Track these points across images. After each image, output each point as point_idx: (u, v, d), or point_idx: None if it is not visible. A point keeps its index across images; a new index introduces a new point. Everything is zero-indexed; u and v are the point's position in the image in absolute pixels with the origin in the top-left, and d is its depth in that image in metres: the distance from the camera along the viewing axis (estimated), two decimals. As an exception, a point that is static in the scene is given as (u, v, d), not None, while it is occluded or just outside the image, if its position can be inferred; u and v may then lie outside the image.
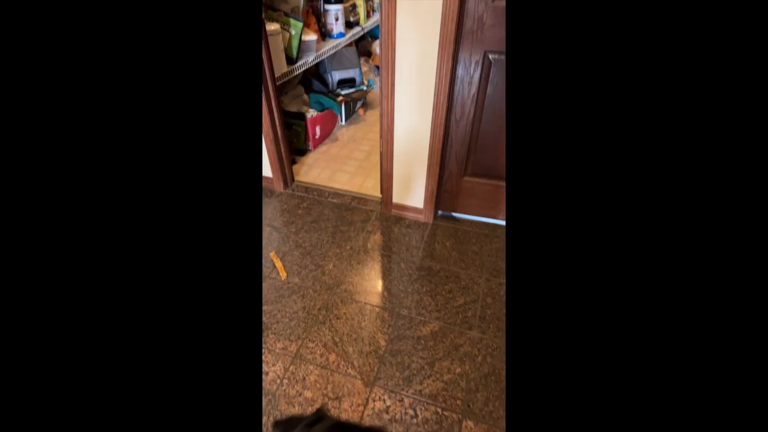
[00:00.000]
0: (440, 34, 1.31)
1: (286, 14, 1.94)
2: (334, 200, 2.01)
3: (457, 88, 1.47)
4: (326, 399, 1.18)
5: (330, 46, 2.31)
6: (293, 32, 1.94)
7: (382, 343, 1.34)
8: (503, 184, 1.67)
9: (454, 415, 1.14)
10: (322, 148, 2.46)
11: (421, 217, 1.85)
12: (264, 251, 1.70)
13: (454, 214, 1.87)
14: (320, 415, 0.55)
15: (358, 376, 1.24)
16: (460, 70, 1.42)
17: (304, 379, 1.24)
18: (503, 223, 1.80)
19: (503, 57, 1.36)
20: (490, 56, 1.37)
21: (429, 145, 1.60)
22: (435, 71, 1.40)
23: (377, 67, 3.11)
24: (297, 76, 2.12)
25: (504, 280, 1.56)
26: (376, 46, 3.15)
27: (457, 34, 1.31)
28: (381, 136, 1.68)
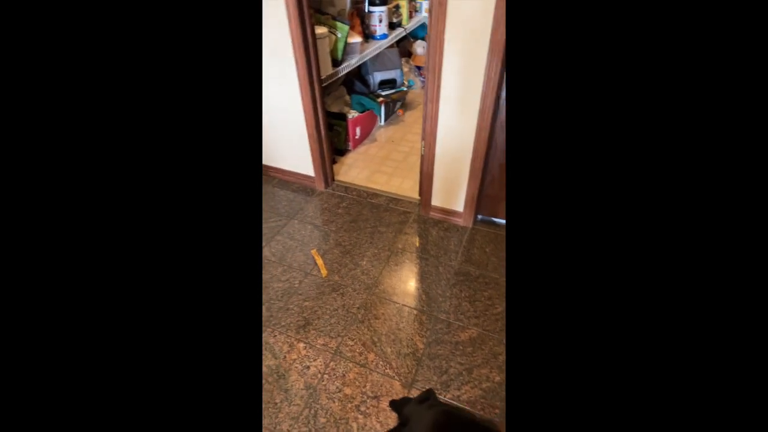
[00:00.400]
0: (491, 38, 1.29)
1: (334, 18, 1.98)
2: (373, 200, 2.04)
3: (503, 93, 1.45)
4: (365, 397, 1.21)
5: (373, 48, 2.33)
6: (339, 35, 1.98)
7: (420, 345, 1.35)
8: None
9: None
10: (361, 149, 2.50)
11: (460, 221, 1.84)
12: (306, 248, 1.76)
13: (495, 219, 1.85)
14: (429, 395, 0.60)
15: (396, 377, 1.26)
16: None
17: (343, 375, 1.27)
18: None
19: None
20: (542, 60, 1.34)
21: (473, 149, 1.59)
22: (483, 75, 1.39)
23: (418, 68, 3.10)
24: (341, 77, 2.16)
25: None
26: (417, 47, 3.14)
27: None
28: (423, 139, 1.68)
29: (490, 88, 1.40)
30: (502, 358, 1.30)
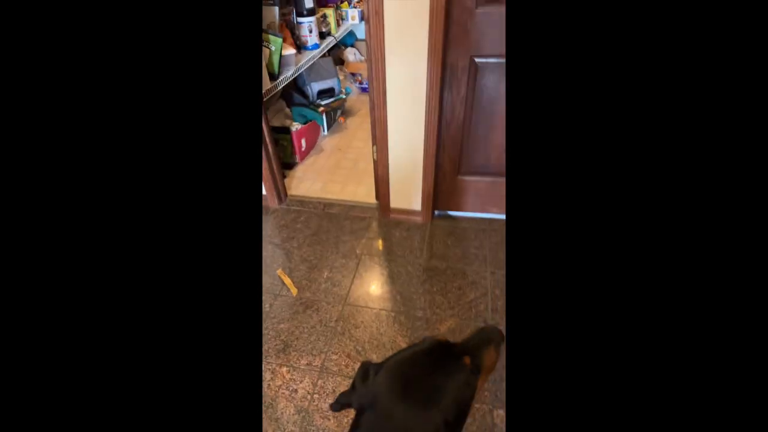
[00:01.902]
0: (428, 42, 1.36)
1: (265, 31, 1.93)
2: (331, 211, 2.02)
3: (445, 94, 1.53)
4: (360, 408, 1.20)
5: (307, 59, 2.31)
6: (273, 48, 1.94)
7: (404, 345, 1.37)
8: (495, 179, 1.75)
9: (484, 406, 1.20)
10: (309, 160, 2.46)
11: (419, 219, 1.90)
12: (270, 270, 1.69)
13: (451, 213, 1.94)
14: (365, 368, 0.55)
15: (387, 381, 1.27)
16: (448, 76, 1.48)
17: (334, 391, 1.25)
18: (499, 216, 1.88)
19: (489, 60, 1.43)
20: (476, 60, 1.44)
21: (423, 148, 1.65)
22: (425, 78, 1.45)
23: (352, 74, 3.14)
24: (279, 91, 2.12)
25: (508, 271, 1.64)
26: (349, 54, 3.18)
27: (444, 42, 1.37)
28: (374, 144, 1.71)
29: (434, 90, 1.47)
30: (482, 342, 1.37)
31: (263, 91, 1.84)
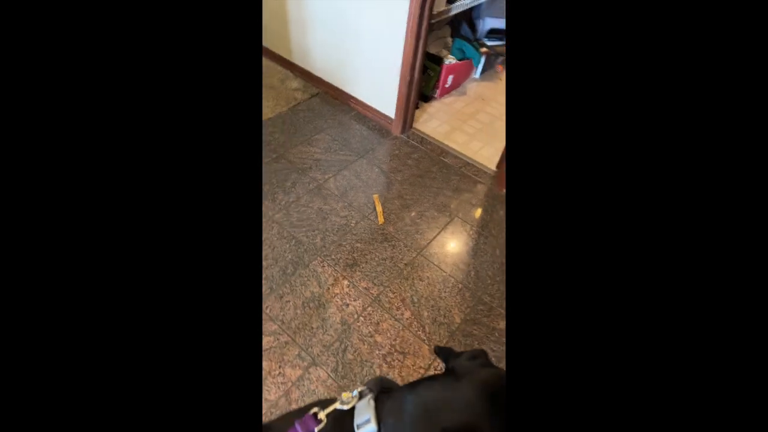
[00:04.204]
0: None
1: (464, -57, 1.73)
2: (446, 159, 1.95)
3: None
4: (393, 350, 1.27)
5: (494, -12, 2.05)
6: (464, -34, 1.74)
7: (457, 320, 1.36)
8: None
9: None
10: (448, 99, 2.34)
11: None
12: (368, 191, 1.76)
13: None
14: (481, 354, 0.57)
15: (426, 342, 1.30)
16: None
17: (377, 323, 1.33)
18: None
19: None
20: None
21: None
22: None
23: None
24: (449, 17, 1.95)
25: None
26: None
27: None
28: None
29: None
30: (535, 357, 1.28)
31: (435, 12, 1.71)
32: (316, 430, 0.54)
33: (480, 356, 0.55)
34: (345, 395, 0.56)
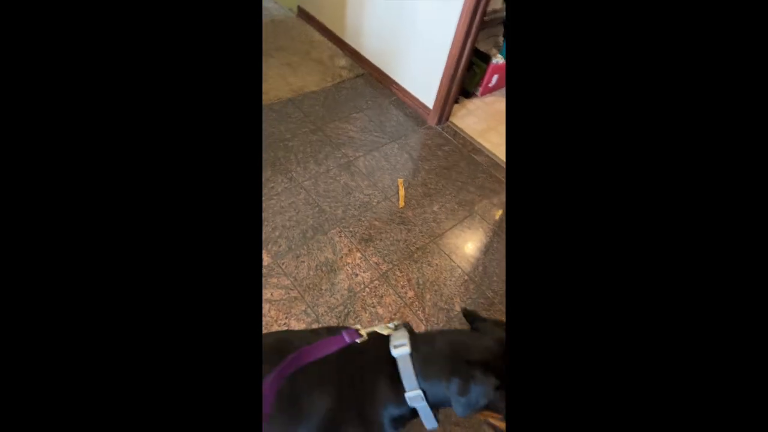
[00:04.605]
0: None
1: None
2: (476, 157, 1.98)
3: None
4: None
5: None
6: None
7: (457, 308, 1.42)
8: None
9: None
10: (489, 99, 2.35)
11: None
12: (394, 174, 1.82)
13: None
14: (503, 324, 0.66)
15: (424, 322, 1.36)
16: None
17: (382, 297, 1.41)
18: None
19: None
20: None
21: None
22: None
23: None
24: (504, 16, 1.95)
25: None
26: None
27: None
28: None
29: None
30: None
31: (490, 9, 1.73)
32: (358, 341, 0.66)
33: (502, 325, 0.65)
34: (382, 326, 0.69)
